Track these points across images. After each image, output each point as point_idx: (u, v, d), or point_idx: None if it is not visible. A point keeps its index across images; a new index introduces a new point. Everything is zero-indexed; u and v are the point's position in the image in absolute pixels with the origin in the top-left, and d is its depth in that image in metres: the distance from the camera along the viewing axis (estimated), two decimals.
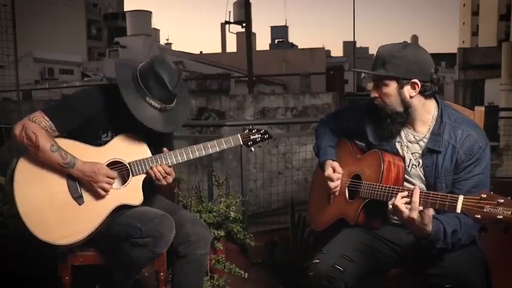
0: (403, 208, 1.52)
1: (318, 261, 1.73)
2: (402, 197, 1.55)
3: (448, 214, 1.61)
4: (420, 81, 1.71)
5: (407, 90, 1.73)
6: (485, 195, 1.36)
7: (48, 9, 25.72)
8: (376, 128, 1.88)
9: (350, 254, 1.73)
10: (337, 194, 1.96)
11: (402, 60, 1.70)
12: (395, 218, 1.79)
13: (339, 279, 1.67)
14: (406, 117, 1.77)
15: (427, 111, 1.78)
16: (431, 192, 1.54)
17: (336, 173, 1.94)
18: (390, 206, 1.57)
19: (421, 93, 1.73)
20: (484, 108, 1.96)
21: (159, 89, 1.89)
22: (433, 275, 1.62)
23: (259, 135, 2.11)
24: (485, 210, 1.34)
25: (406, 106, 1.75)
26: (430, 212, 1.50)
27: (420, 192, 1.53)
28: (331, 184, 1.94)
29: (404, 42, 1.78)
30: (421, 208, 1.50)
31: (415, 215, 1.50)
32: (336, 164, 1.97)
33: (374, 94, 1.79)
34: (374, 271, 1.78)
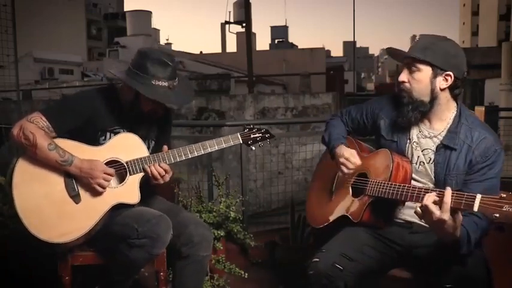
0: (434, 209, 1.43)
1: (317, 259, 1.72)
2: (431, 197, 1.46)
3: (465, 218, 1.53)
4: (454, 76, 1.70)
5: (439, 81, 1.71)
6: (504, 195, 1.33)
7: (48, 9, 25.74)
8: (393, 116, 1.85)
9: (350, 253, 1.72)
10: (347, 171, 1.88)
11: (443, 50, 1.70)
12: (402, 218, 1.79)
13: (338, 278, 1.67)
14: (428, 109, 1.75)
15: (448, 109, 1.77)
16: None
17: (355, 159, 1.87)
18: (418, 209, 1.48)
19: (451, 88, 1.73)
20: (484, 108, 1.97)
21: (160, 68, 1.92)
22: (434, 274, 1.62)
23: (260, 134, 2.08)
24: (504, 209, 1.31)
25: (433, 97, 1.73)
26: (460, 215, 1.44)
27: (452, 193, 1.43)
28: (345, 168, 1.87)
29: (445, 36, 1.76)
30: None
31: (446, 216, 1.42)
32: (354, 152, 1.90)
33: (403, 78, 1.75)
34: (374, 270, 1.77)
